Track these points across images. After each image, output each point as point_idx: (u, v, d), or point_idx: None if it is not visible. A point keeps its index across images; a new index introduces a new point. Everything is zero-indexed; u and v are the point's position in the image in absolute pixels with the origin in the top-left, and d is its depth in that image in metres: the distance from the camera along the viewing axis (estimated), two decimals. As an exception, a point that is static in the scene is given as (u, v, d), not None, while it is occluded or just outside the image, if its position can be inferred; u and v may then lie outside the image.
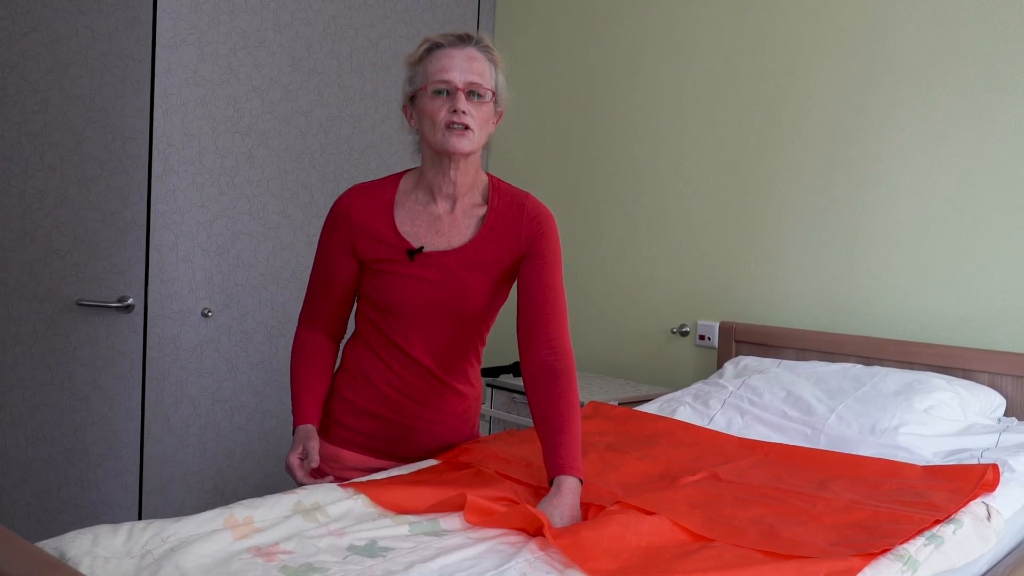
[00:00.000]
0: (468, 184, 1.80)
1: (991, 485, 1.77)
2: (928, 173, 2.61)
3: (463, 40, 1.72)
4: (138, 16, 2.67)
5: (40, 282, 2.63)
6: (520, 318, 1.78)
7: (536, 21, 3.65)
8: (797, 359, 2.71)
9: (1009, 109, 2.46)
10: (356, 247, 1.81)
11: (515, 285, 1.85)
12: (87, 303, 2.66)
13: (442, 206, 1.80)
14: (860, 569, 1.34)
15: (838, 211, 2.78)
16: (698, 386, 2.58)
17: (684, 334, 3.13)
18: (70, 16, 2.60)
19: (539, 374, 1.72)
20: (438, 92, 1.69)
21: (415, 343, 1.83)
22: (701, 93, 3.12)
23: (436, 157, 1.76)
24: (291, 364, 1.90)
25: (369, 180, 1.89)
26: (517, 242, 1.80)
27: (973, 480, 1.77)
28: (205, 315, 2.88)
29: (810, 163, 2.84)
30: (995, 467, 1.81)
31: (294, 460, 1.75)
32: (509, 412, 3.02)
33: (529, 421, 2.90)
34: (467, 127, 1.70)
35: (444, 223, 1.80)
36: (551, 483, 1.59)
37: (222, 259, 2.93)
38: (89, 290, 2.68)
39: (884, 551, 1.42)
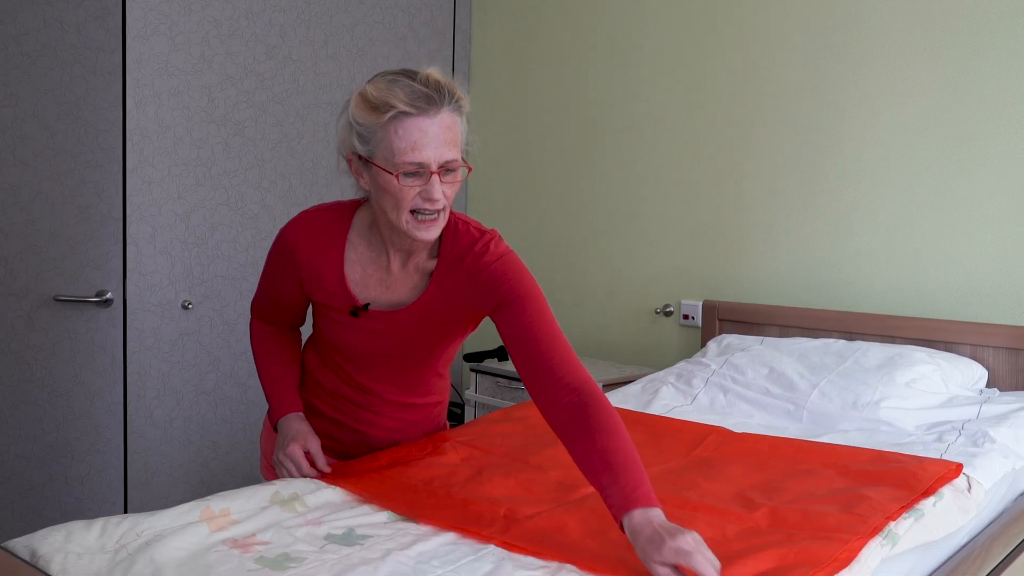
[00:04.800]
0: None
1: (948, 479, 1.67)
2: (907, 146, 2.60)
3: (433, 103, 1.43)
4: (107, 6, 2.63)
5: (16, 278, 2.61)
6: (521, 370, 1.52)
7: (514, 11, 3.62)
8: (780, 336, 2.71)
9: (988, 83, 2.45)
10: (303, 284, 1.67)
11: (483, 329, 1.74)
12: (65, 298, 2.63)
13: (395, 261, 1.63)
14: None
15: (818, 189, 2.78)
16: (681, 365, 2.58)
17: (668, 314, 3.13)
18: (38, 7, 2.56)
19: (567, 418, 1.42)
20: (407, 175, 1.45)
21: (367, 376, 1.74)
22: (680, 76, 3.10)
23: (394, 228, 1.55)
24: (256, 354, 1.81)
25: (319, 204, 1.69)
26: (470, 295, 1.60)
27: (925, 482, 1.62)
28: (185, 307, 2.85)
29: (789, 142, 2.83)
30: (959, 467, 1.72)
31: (297, 452, 1.63)
32: (494, 396, 3.01)
33: (511, 403, 2.89)
34: (439, 212, 1.49)
35: (395, 278, 1.64)
36: (622, 527, 1.29)
37: (201, 250, 2.91)
38: (66, 285, 2.66)
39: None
